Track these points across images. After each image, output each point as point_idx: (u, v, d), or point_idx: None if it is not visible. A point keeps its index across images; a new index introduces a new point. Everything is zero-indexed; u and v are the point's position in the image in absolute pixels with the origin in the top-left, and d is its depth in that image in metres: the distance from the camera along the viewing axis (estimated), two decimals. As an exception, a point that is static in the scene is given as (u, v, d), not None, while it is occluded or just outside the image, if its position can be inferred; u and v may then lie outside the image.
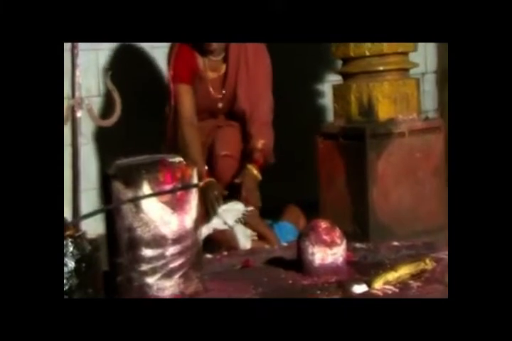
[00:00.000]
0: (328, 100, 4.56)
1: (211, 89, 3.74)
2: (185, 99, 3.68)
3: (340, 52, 3.71)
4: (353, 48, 3.64)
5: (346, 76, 3.77)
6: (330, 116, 4.29)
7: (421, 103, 3.95)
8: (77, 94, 2.98)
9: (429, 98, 5.48)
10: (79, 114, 2.98)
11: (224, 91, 3.75)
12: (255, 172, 3.63)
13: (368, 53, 3.64)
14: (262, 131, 3.73)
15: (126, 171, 2.28)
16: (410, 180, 3.67)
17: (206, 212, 3.47)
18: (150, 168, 2.27)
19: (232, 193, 3.59)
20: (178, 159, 2.33)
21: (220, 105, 3.79)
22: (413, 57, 3.91)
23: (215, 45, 3.63)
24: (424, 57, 5.36)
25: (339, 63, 3.96)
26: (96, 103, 3.99)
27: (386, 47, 3.63)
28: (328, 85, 4.60)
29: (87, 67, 4.03)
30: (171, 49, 3.74)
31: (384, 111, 3.68)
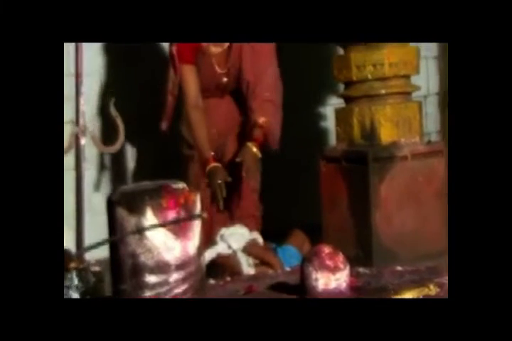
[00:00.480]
0: (330, 123, 4.56)
1: (215, 63, 3.70)
2: (190, 80, 3.64)
3: (343, 76, 3.71)
4: (356, 72, 3.64)
5: (348, 99, 3.77)
6: (332, 139, 4.29)
7: (423, 126, 3.94)
8: (81, 121, 2.98)
9: (432, 120, 5.50)
10: (83, 141, 2.99)
11: (228, 66, 3.71)
12: (255, 150, 3.55)
13: (370, 77, 3.65)
14: (264, 107, 3.66)
15: (129, 197, 2.29)
16: (413, 203, 3.66)
17: (212, 197, 3.45)
18: (153, 194, 2.28)
19: (233, 173, 3.53)
20: (182, 185, 2.34)
21: (225, 80, 3.74)
22: (415, 79, 3.91)
23: None
24: (427, 79, 5.38)
25: (341, 86, 3.97)
26: (98, 128, 4.01)
27: (388, 70, 3.64)
28: (330, 108, 4.61)
29: (89, 93, 4.05)
30: None
31: (386, 134, 3.67)
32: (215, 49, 3.68)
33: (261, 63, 3.68)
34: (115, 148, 3.21)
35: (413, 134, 3.74)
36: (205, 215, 2.32)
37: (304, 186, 4.37)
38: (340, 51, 3.73)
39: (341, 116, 3.78)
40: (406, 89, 3.76)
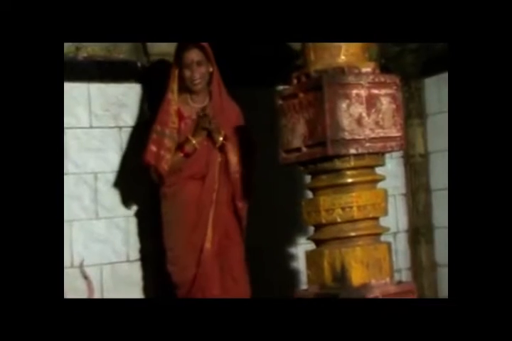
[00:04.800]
0: (301, 262, 4.58)
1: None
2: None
3: (312, 220, 3.75)
4: (325, 215, 3.69)
5: (319, 242, 3.80)
6: (303, 278, 4.30)
7: (393, 266, 3.96)
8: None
9: (402, 257, 5.54)
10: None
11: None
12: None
13: (339, 220, 3.68)
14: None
15: None
16: None
17: None
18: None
19: None
20: None
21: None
22: (384, 218, 3.94)
23: (199, 86, 4.23)
24: (396, 217, 5.48)
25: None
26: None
27: (357, 213, 3.68)
28: (301, 248, 4.66)
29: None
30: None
31: (357, 276, 3.66)
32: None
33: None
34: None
35: (383, 275, 3.74)
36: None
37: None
38: (310, 195, 3.80)
39: (312, 259, 3.79)
40: (375, 231, 3.80)
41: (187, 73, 4.21)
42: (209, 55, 4.23)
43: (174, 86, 4.21)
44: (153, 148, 4.14)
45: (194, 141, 4.16)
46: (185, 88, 4.26)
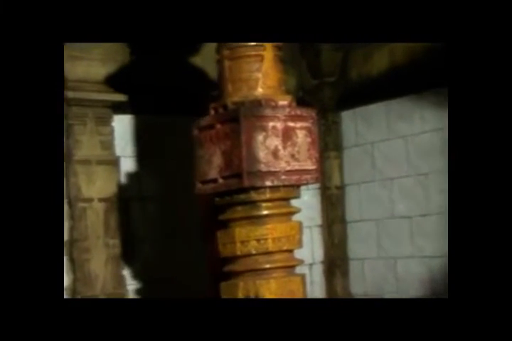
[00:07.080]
0: (217, 293, 4.56)
1: None
2: None
3: (227, 251, 3.75)
4: (240, 247, 3.69)
5: (233, 274, 3.79)
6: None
7: (308, 297, 3.98)
8: None
9: (318, 288, 5.57)
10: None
11: None
12: None
13: (254, 251, 3.69)
14: None
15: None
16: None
17: None
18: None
19: None
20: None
21: None
22: (300, 249, 3.94)
23: None
24: (311, 248, 5.51)
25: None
26: None
27: (272, 245, 3.70)
28: (216, 279, 4.62)
29: None
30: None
31: (271, 308, 3.68)
32: None
33: None
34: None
35: (297, 307, 3.77)
36: None
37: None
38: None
39: (227, 290, 3.78)
40: (289, 263, 3.81)
41: None
42: None
43: None
44: None
45: None
46: None
